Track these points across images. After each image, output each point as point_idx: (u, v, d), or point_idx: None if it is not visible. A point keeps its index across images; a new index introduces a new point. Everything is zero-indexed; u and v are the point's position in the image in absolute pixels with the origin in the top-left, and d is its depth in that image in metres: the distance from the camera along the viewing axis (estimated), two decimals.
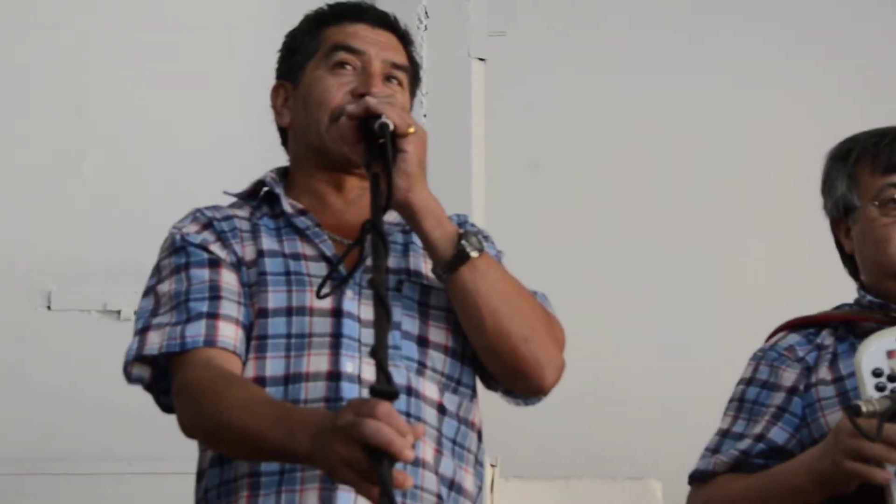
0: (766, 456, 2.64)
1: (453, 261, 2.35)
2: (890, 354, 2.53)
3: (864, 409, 2.27)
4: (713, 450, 2.71)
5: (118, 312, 3.68)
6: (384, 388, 1.93)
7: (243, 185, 2.56)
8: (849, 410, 2.28)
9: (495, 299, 2.36)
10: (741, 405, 2.73)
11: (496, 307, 2.36)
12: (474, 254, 2.35)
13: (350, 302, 2.39)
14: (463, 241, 2.35)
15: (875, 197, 2.74)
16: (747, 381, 2.75)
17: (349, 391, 2.30)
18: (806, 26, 4.09)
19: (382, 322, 1.96)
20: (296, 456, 2.16)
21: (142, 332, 2.39)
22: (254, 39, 3.76)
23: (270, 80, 2.59)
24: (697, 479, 2.71)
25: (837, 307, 2.79)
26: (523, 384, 2.43)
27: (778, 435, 2.66)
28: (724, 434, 2.71)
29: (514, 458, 3.43)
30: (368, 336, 2.30)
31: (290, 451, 2.16)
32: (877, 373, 2.52)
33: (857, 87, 3.99)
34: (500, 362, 2.40)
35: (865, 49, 4.08)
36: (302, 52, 2.54)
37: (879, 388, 2.49)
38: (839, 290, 2.82)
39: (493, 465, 3.41)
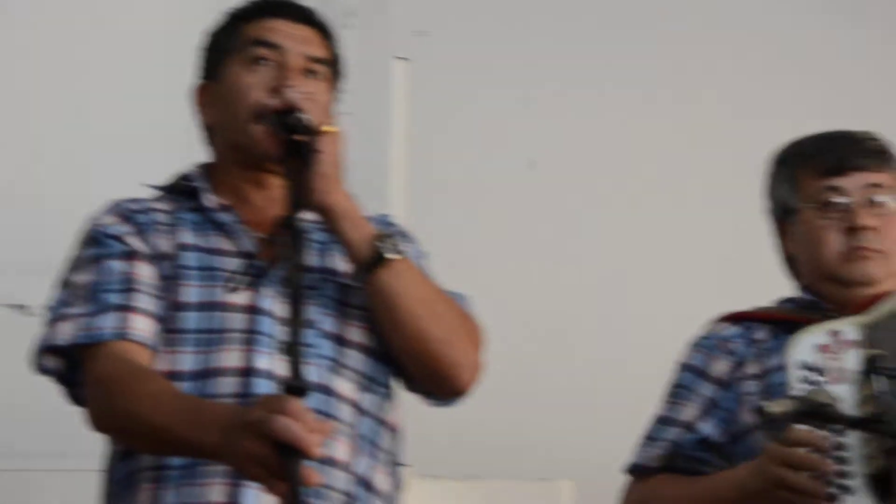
0: (698, 449, 2.67)
1: (370, 263, 2.36)
2: (819, 348, 2.56)
3: (771, 409, 2.29)
4: (650, 437, 2.74)
5: (22, 307, 3.61)
6: (295, 384, 1.93)
7: (151, 179, 2.55)
8: (756, 411, 2.32)
9: (412, 301, 2.37)
10: (675, 390, 2.76)
11: (413, 309, 2.37)
12: (391, 256, 2.36)
13: (266, 299, 2.37)
14: (380, 243, 2.36)
15: (814, 199, 2.77)
16: (681, 367, 2.78)
17: (262, 388, 2.28)
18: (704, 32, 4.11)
19: (296, 317, 1.96)
20: (204, 450, 2.14)
21: (53, 322, 2.37)
22: (163, 36, 3.75)
23: (178, 75, 2.59)
24: (635, 472, 2.73)
25: (782, 301, 2.83)
26: (441, 385, 2.44)
27: (708, 429, 2.68)
28: (659, 420, 2.74)
29: (427, 458, 3.38)
30: (283, 333, 2.26)
31: (198, 446, 2.14)
32: (806, 366, 2.54)
33: (772, 91, 4.01)
34: (418, 364, 2.41)
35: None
36: (221, 49, 2.53)
37: (807, 382, 2.51)
38: (758, 294, 2.84)
39: (405, 465, 3.42)
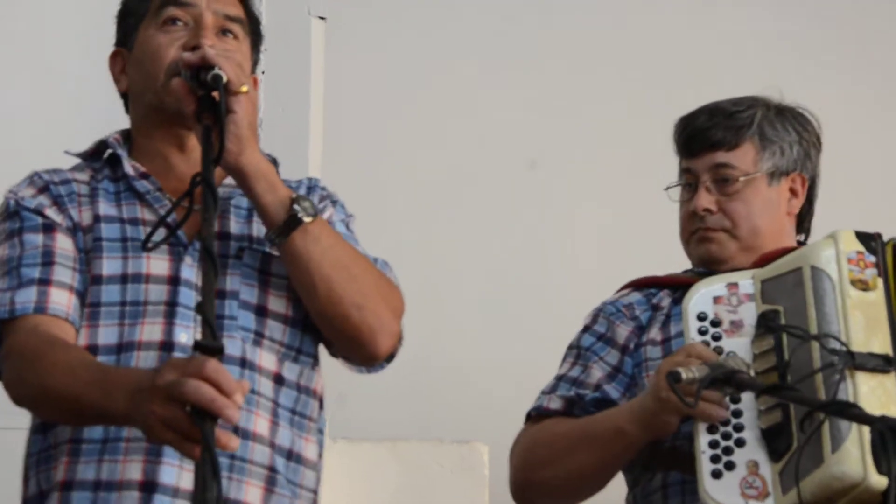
0: (598, 405, 2.68)
1: (285, 226, 2.32)
2: (716, 300, 2.58)
3: (683, 375, 2.28)
4: (548, 392, 2.75)
5: None
6: (209, 343, 1.89)
7: (74, 146, 2.52)
8: (669, 377, 2.29)
9: (328, 265, 2.33)
10: (578, 352, 2.77)
11: (328, 273, 2.33)
12: (307, 219, 2.31)
13: (188, 269, 2.36)
14: (295, 206, 2.31)
15: (680, 177, 2.83)
16: (585, 330, 2.79)
17: None
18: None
19: (210, 276, 1.91)
20: (114, 416, 2.13)
21: None
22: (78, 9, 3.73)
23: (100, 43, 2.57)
24: (531, 417, 2.75)
25: (684, 271, 2.84)
26: (357, 351, 2.41)
27: (611, 391, 2.70)
28: (559, 378, 2.75)
29: (343, 420, 3.42)
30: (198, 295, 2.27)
31: (107, 412, 2.12)
32: (701, 317, 2.56)
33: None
34: (333, 328, 2.38)
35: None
36: (133, 14, 2.49)
37: (702, 332, 2.54)
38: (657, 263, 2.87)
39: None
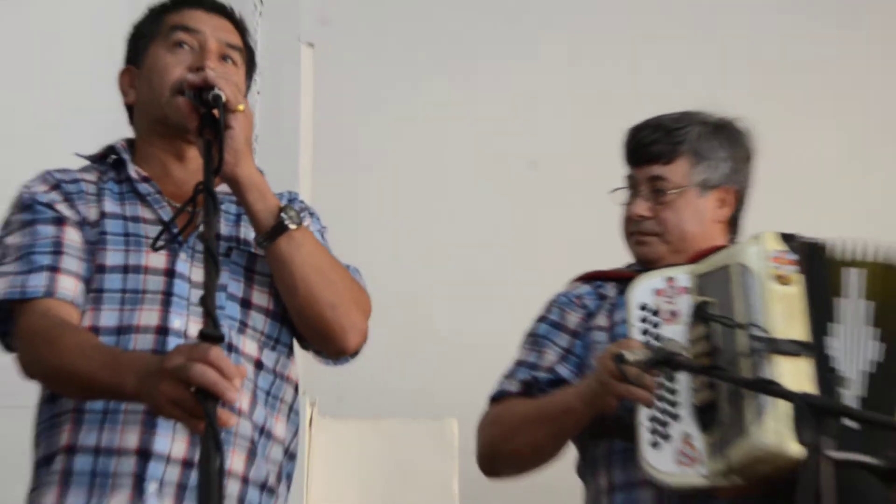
0: (552, 385, 2.75)
1: (272, 231, 2.37)
2: (656, 292, 2.66)
3: (629, 357, 2.37)
4: (508, 375, 2.82)
5: None
6: (212, 332, 1.96)
7: (88, 147, 2.58)
8: (616, 359, 2.38)
9: (307, 269, 2.38)
10: (534, 339, 2.84)
11: (307, 275, 2.38)
12: (292, 226, 2.37)
13: (182, 264, 2.41)
14: (283, 214, 2.37)
15: (624, 182, 2.89)
16: (540, 319, 2.87)
17: (175, 345, 2.28)
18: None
19: (211, 273, 1.98)
20: (123, 395, 2.19)
21: None
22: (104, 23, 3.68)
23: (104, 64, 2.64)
24: (494, 399, 2.82)
25: (627, 266, 2.91)
26: (329, 345, 2.47)
27: (563, 371, 2.77)
28: (518, 363, 2.83)
29: (331, 399, 3.47)
30: (197, 296, 2.25)
31: (118, 391, 2.19)
32: (642, 307, 2.65)
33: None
34: (309, 325, 2.43)
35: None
36: (145, 36, 2.56)
37: (643, 320, 2.63)
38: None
39: (312, 405, 3.41)
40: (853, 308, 2.59)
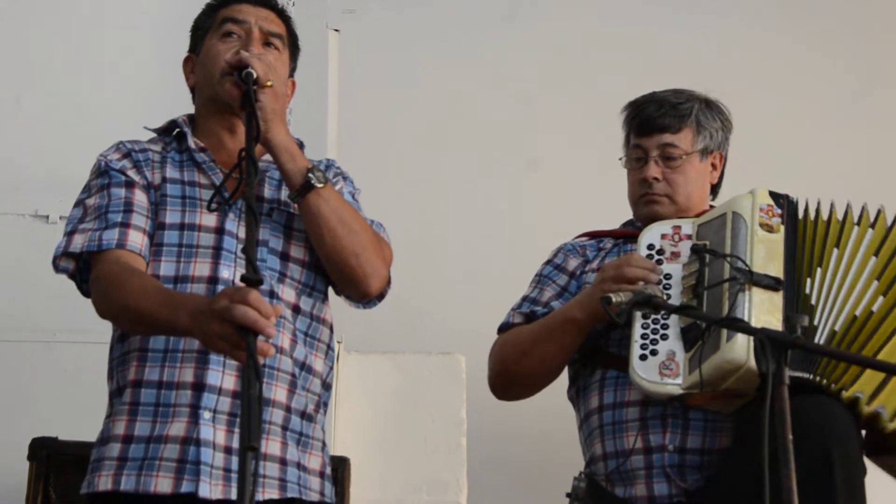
0: None
1: (302, 188, 2.39)
2: (663, 236, 2.72)
3: (613, 299, 2.37)
4: (514, 309, 2.87)
5: (47, 217, 3.65)
6: (252, 277, 1.99)
7: (151, 122, 2.61)
8: (602, 300, 2.38)
9: (333, 221, 2.40)
10: (538, 279, 2.90)
11: (333, 227, 2.40)
12: (318, 185, 2.39)
13: (231, 222, 2.44)
14: (310, 174, 2.39)
15: (627, 155, 2.94)
16: (547, 262, 2.92)
17: None
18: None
19: (251, 225, 2.00)
20: (178, 330, 2.22)
21: (70, 234, 2.44)
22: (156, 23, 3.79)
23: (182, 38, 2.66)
24: (500, 329, 2.86)
25: (625, 224, 2.97)
26: (354, 290, 2.48)
27: (557, 306, 2.81)
28: (524, 298, 2.89)
29: (356, 336, 3.47)
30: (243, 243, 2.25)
31: (173, 327, 2.22)
32: (650, 247, 2.71)
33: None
34: (336, 271, 2.45)
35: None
36: (202, 28, 2.61)
37: (649, 258, 2.67)
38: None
39: (339, 342, 3.33)
40: (837, 259, 2.63)
